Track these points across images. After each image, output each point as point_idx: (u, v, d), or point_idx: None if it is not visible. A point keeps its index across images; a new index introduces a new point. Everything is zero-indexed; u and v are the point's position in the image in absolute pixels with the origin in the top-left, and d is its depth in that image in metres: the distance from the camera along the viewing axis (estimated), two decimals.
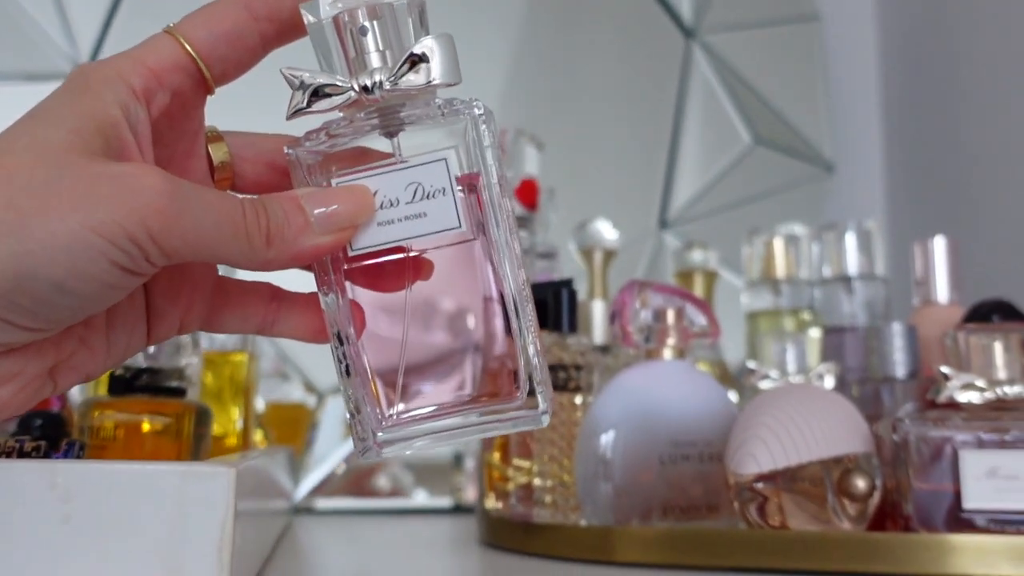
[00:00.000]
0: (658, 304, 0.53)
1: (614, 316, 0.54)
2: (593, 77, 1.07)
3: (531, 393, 0.31)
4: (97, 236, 0.26)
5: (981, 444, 0.45)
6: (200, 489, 0.32)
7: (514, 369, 0.31)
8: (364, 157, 0.32)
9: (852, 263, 0.72)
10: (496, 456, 0.59)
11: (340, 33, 0.31)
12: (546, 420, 0.32)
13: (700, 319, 0.54)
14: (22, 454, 0.38)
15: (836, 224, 0.73)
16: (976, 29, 0.98)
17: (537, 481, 0.56)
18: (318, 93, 0.30)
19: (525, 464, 0.57)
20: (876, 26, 1.18)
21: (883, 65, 1.17)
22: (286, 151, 0.31)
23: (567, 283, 0.58)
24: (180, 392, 0.50)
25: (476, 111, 0.31)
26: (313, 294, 0.33)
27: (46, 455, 0.38)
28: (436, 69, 0.30)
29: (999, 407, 0.46)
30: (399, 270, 0.32)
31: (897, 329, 0.63)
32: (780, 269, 0.73)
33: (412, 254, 0.32)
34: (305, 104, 0.31)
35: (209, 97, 0.33)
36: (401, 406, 0.32)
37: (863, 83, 1.15)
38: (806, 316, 0.73)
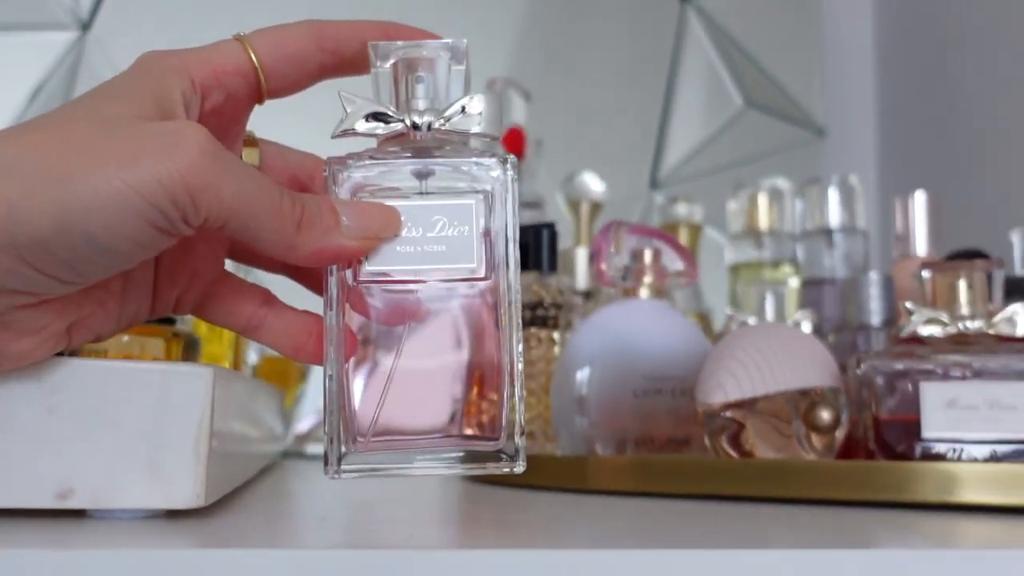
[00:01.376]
0: (633, 245, 0.54)
1: (592, 256, 0.56)
2: (588, 38, 1.08)
3: (510, 439, 0.33)
4: (138, 195, 0.27)
5: (941, 376, 0.46)
6: (180, 386, 0.33)
7: (496, 414, 0.33)
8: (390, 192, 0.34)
9: (834, 217, 0.73)
10: (474, 391, 0.60)
11: (396, 76, 0.34)
12: (520, 469, 0.33)
13: (676, 261, 0.55)
14: None
15: (820, 179, 0.74)
16: None
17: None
18: (374, 117, 0.33)
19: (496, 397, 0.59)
20: None
21: (877, 30, 1.17)
22: (324, 169, 0.33)
23: (549, 225, 0.59)
24: (169, 320, 0.51)
25: (509, 169, 0.33)
26: (303, 311, 0.35)
27: None
28: (481, 121, 0.33)
29: (960, 341, 0.47)
30: (401, 305, 0.33)
31: (873, 278, 0.65)
32: (763, 222, 0.75)
33: (418, 291, 0.33)
34: (355, 125, 0.33)
35: None
36: (374, 432, 0.33)
37: (857, 48, 1.16)
38: (787, 268, 0.74)
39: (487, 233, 0.33)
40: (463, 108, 0.33)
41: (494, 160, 0.33)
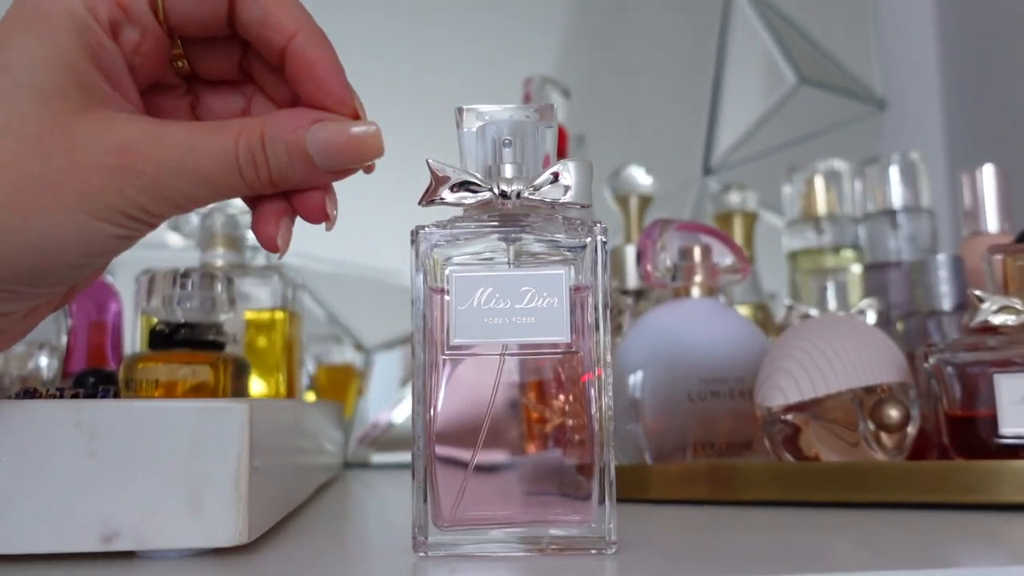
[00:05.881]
0: (678, 243, 0.52)
1: (639, 257, 0.54)
2: (634, 22, 1.05)
3: (601, 519, 0.32)
4: (100, 222, 0.28)
5: (1017, 367, 0.43)
6: (215, 423, 0.33)
7: (588, 492, 0.32)
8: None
9: (897, 196, 0.69)
10: (532, 396, 0.59)
11: (483, 139, 0.33)
12: (613, 549, 0.32)
13: (727, 256, 0.53)
14: None
15: (879, 157, 0.71)
16: None
17: (570, 422, 0.56)
18: (461, 187, 0.33)
19: (559, 402, 0.57)
20: None
21: None
22: (411, 237, 0.33)
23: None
24: (218, 346, 0.51)
25: (599, 237, 0.32)
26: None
27: None
28: (571, 189, 0.32)
29: None
30: (488, 378, 0.33)
31: (942, 260, 0.61)
32: (821, 206, 0.71)
33: (506, 355, 0.33)
34: (443, 195, 0.33)
35: None
36: (461, 506, 0.32)
37: (916, 12, 1.10)
38: (848, 254, 0.71)
39: (578, 296, 0.32)
40: (555, 177, 0.32)
41: (584, 228, 0.32)
